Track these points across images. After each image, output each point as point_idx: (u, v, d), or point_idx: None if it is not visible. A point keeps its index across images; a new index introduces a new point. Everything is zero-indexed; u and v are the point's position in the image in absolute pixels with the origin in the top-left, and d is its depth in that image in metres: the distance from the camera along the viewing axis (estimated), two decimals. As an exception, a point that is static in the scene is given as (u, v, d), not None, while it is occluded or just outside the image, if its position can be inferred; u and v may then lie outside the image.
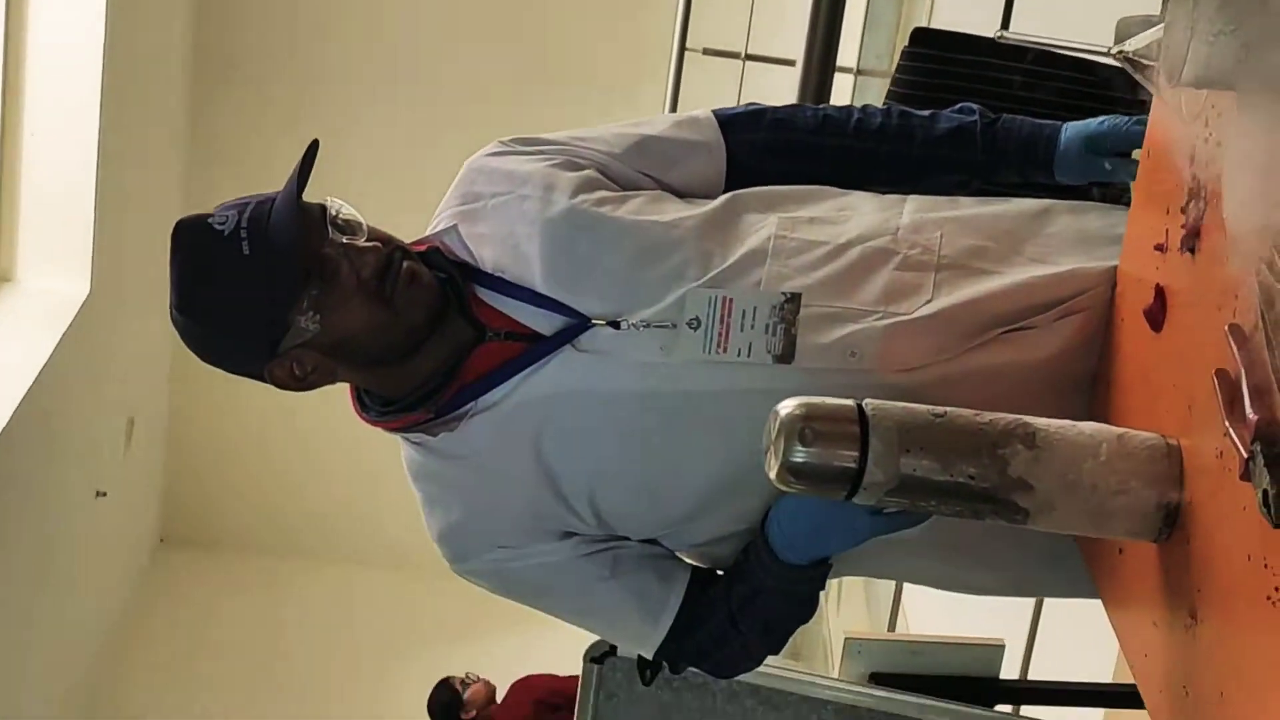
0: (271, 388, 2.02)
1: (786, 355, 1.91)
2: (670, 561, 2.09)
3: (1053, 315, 1.95)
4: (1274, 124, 1.43)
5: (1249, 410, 1.41)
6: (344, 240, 1.94)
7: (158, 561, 9.11)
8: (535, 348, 1.98)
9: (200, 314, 1.98)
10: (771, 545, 1.94)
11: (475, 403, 1.99)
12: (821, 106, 2.25)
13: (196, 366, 2.04)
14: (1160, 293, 1.72)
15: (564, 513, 2.01)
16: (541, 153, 2.10)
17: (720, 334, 1.92)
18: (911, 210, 2.08)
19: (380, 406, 2.06)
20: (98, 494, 7.40)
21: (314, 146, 1.97)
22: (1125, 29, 2.55)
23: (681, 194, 2.11)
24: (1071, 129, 2.08)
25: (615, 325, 1.96)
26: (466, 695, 6.94)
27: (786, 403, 1.62)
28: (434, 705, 6.99)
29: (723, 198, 2.07)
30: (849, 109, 2.18)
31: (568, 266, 1.99)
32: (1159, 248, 1.73)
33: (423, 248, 2.04)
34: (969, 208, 2.11)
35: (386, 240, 1.98)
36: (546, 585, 2.08)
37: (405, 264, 1.95)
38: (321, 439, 7.97)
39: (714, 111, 2.18)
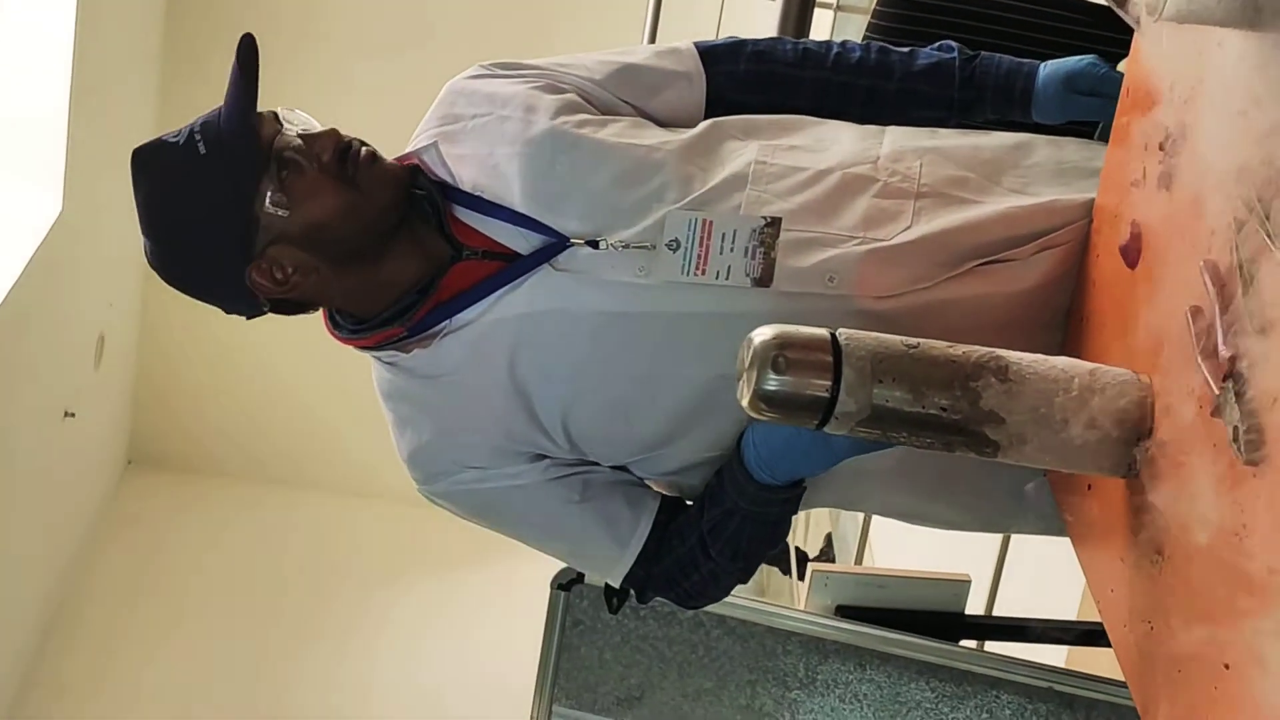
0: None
1: (765, 278, 1.92)
2: (640, 489, 2.09)
3: (1031, 249, 1.95)
4: (1254, 62, 1.43)
5: (1221, 347, 1.42)
6: (298, 132, 1.96)
7: (125, 484, 9.08)
8: (512, 266, 1.98)
9: (169, 229, 1.98)
10: (746, 465, 1.94)
11: (450, 320, 1.99)
12: (801, 40, 2.25)
13: (169, 288, 2.03)
14: (1136, 229, 1.72)
15: (536, 434, 2.01)
16: (523, 76, 2.10)
17: (699, 256, 1.92)
18: (891, 140, 2.08)
19: (353, 324, 2.06)
20: (66, 414, 7.38)
21: (249, 42, 1.97)
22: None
23: (662, 123, 2.11)
24: (1050, 67, 2.08)
25: (594, 245, 1.96)
26: None
27: (760, 330, 1.62)
28: None
29: (704, 124, 2.07)
30: (829, 43, 2.18)
31: (547, 186, 1.98)
32: (1135, 184, 1.73)
33: (401, 165, 2.03)
34: (948, 138, 2.11)
35: (341, 132, 1.99)
36: (515, 508, 2.08)
37: (363, 148, 1.96)
38: (292, 364, 7.95)
39: (695, 43, 2.18)
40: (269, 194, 1.93)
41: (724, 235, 1.93)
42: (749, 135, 2.06)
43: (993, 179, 2.04)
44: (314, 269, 1.98)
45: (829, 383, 1.59)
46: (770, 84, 2.16)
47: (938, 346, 1.62)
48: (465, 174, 2.03)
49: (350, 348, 2.09)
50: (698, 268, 1.93)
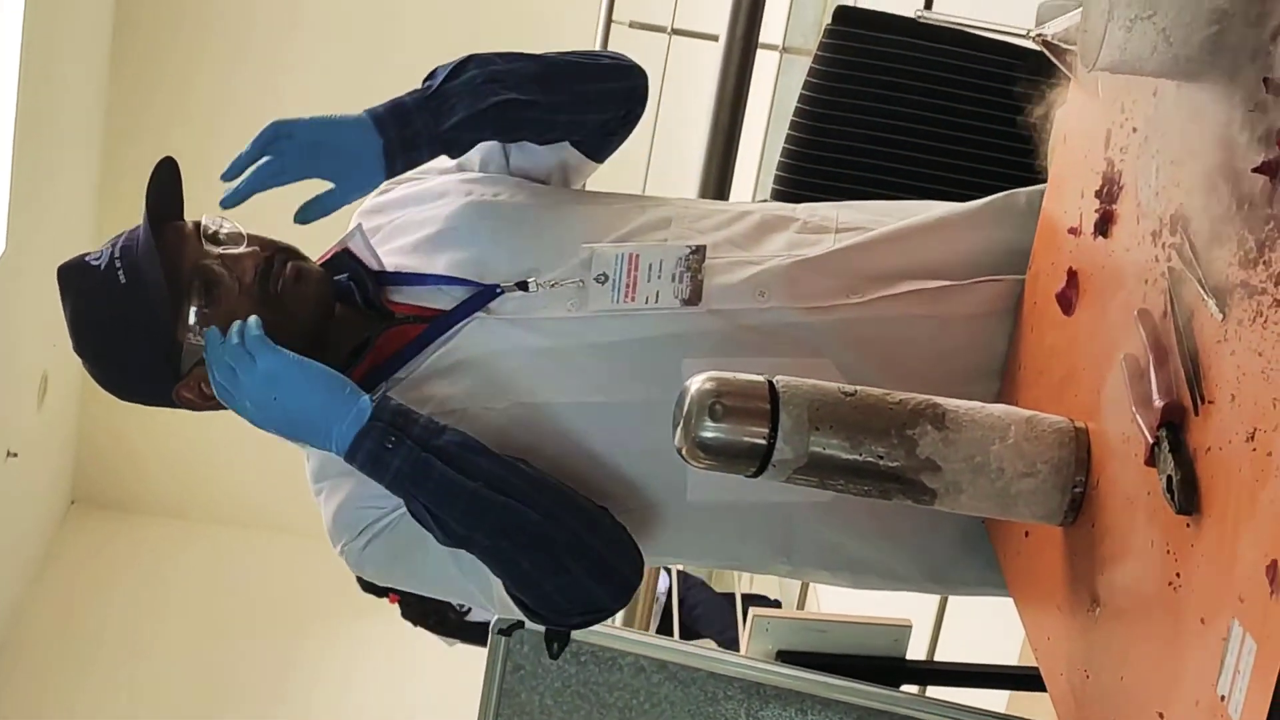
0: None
1: (694, 298, 1.94)
2: None
3: (968, 278, 1.98)
4: (1188, 112, 1.44)
5: (1155, 396, 1.42)
6: (219, 251, 1.94)
7: (68, 523, 9.02)
8: (440, 320, 1.98)
9: (95, 353, 1.99)
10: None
11: (385, 382, 1.98)
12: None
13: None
14: (1073, 276, 1.72)
15: None
16: (426, 177, 2.14)
17: (628, 285, 1.95)
18: (806, 204, 2.12)
19: None
20: (8, 454, 7.32)
21: (166, 163, 1.96)
22: (1047, 12, 2.56)
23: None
24: None
25: (524, 288, 1.97)
26: None
27: (696, 377, 1.61)
28: None
29: (623, 192, 2.12)
30: None
31: (471, 250, 2.01)
32: (1072, 231, 1.73)
33: (328, 255, 2.04)
34: (858, 203, 2.16)
35: (266, 244, 1.98)
36: (424, 538, 1.97)
37: (289, 264, 1.95)
38: (227, 429, 7.92)
39: None
40: (190, 321, 1.92)
41: (650, 265, 1.95)
42: (670, 200, 2.12)
43: (915, 212, 2.08)
44: None
45: (766, 430, 1.58)
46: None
47: (875, 394, 1.62)
48: (390, 262, 2.05)
49: None
50: (627, 295, 1.94)
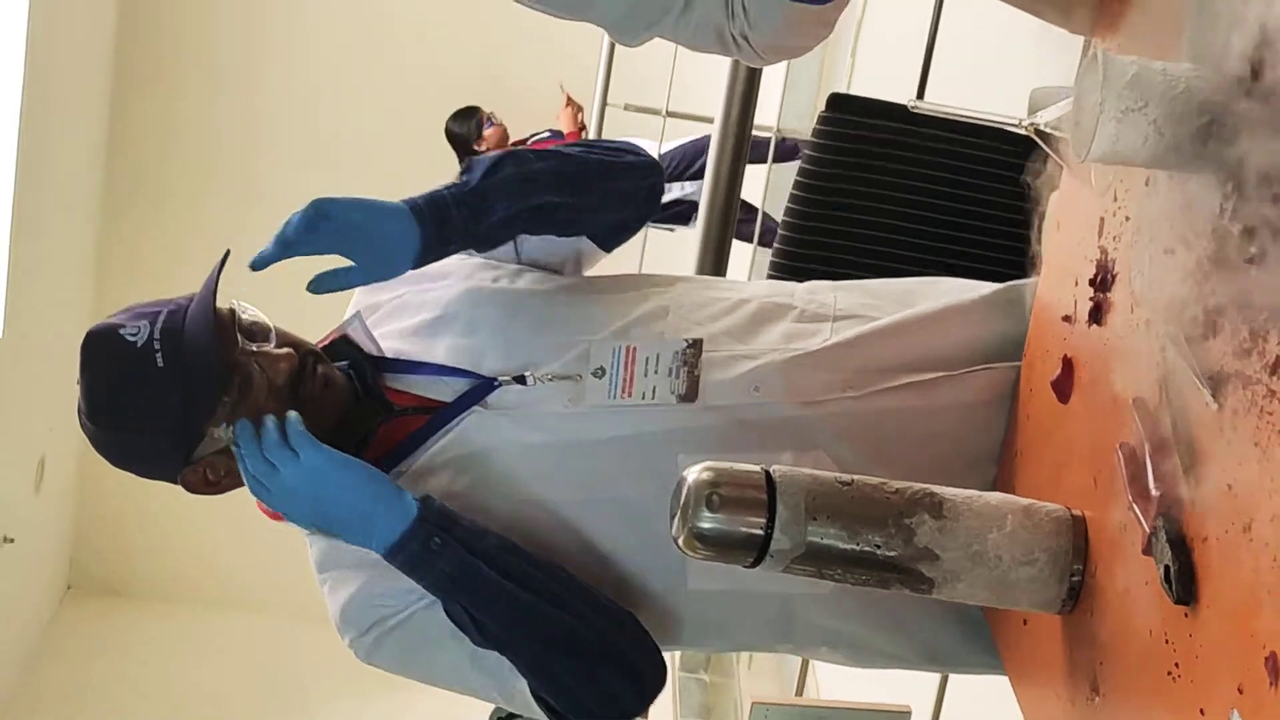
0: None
1: (690, 394, 1.94)
2: None
3: (964, 368, 1.98)
4: (1181, 201, 1.44)
5: (1152, 486, 1.42)
6: (254, 348, 1.94)
7: (65, 609, 8.99)
8: (441, 412, 1.99)
9: (114, 426, 1.96)
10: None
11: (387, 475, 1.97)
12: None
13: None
14: (1068, 364, 1.73)
15: None
16: None
17: (625, 380, 1.95)
18: (804, 285, 2.13)
19: None
20: (4, 539, 7.30)
21: (225, 256, 1.95)
22: (1039, 100, 2.57)
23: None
24: None
25: (521, 381, 1.97)
26: (485, 133, 6.89)
27: (694, 468, 1.61)
28: (452, 134, 6.88)
29: (623, 274, 2.13)
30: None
31: (470, 339, 2.02)
32: (1067, 319, 1.73)
33: (328, 340, 2.05)
34: (857, 283, 2.17)
35: (297, 344, 1.98)
36: (437, 632, 1.99)
37: (319, 369, 1.96)
38: (224, 514, 7.89)
39: None
40: (219, 415, 1.91)
41: (648, 359, 1.95)
42: (669, 283, 2.12)
43: (906, 303, 2.08)
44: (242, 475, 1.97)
45: (764, 520, 1.58)
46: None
47: (871, 483, 1.62)
48: (389, 345, 2.06)
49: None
50: (624, 391, 1.95)
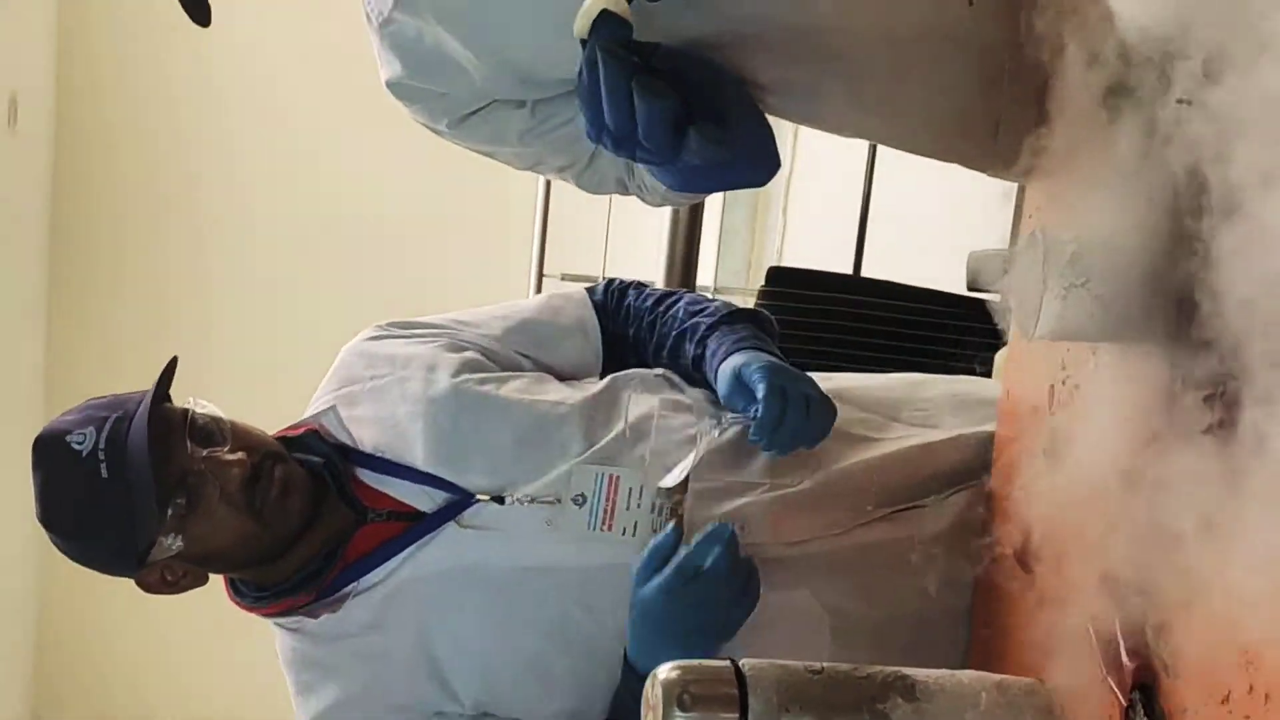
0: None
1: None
2: None
3: (943, 494, 1.97)
4: (1130, 372, 1.45)
5: (1124, 658, 1.41)
6: (204, 453, 1.91)
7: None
8: (417, 526, 1.96)
9: (63, 531, 1.94)
10: (634, 665, 1.88)
11: (357, 583, 1.97)
12: (661, 298, 2.23)
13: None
14: (1028, 535, 1.72)
15: (443, 700, 1.97)
16: (421, 336, 2.10)
17: (605, 511, 1.93)
18: None
19: (256, 592, 2.02)
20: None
21: (173, 363, 1.95)
22: (977, 263, 2.60)
23: (561, 375, 2.12)
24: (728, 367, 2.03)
25: (499, 500, 1.94)
26: None
27: (663, 668, 1.59)
28: None
29: (603, 382, 2.08)
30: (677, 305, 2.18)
31: (450, 444, 1.98)
32: (1023, 489, 1.72)
33: (299, 431, 2.02)
34: (843, 381, 2.14)
35: (254, 445, 1.95)
36: None
37: (276, 472, 1.93)
38: (199, 614, 7.77)
39: (587, 290, 2.20)
40: (167, 524, 1.89)
41: (630, 490, 1.93)
42: (647, 389, 2.07)
43: (892, 415, 2.08)
44: (204, 576, 1.98)
45: (736, 716, 1.55)
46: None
47: (842, 670, 1.60)
48: (365, 435, 2.02)
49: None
50: (604, 523, 1.93)
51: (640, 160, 1.72)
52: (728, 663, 1.59)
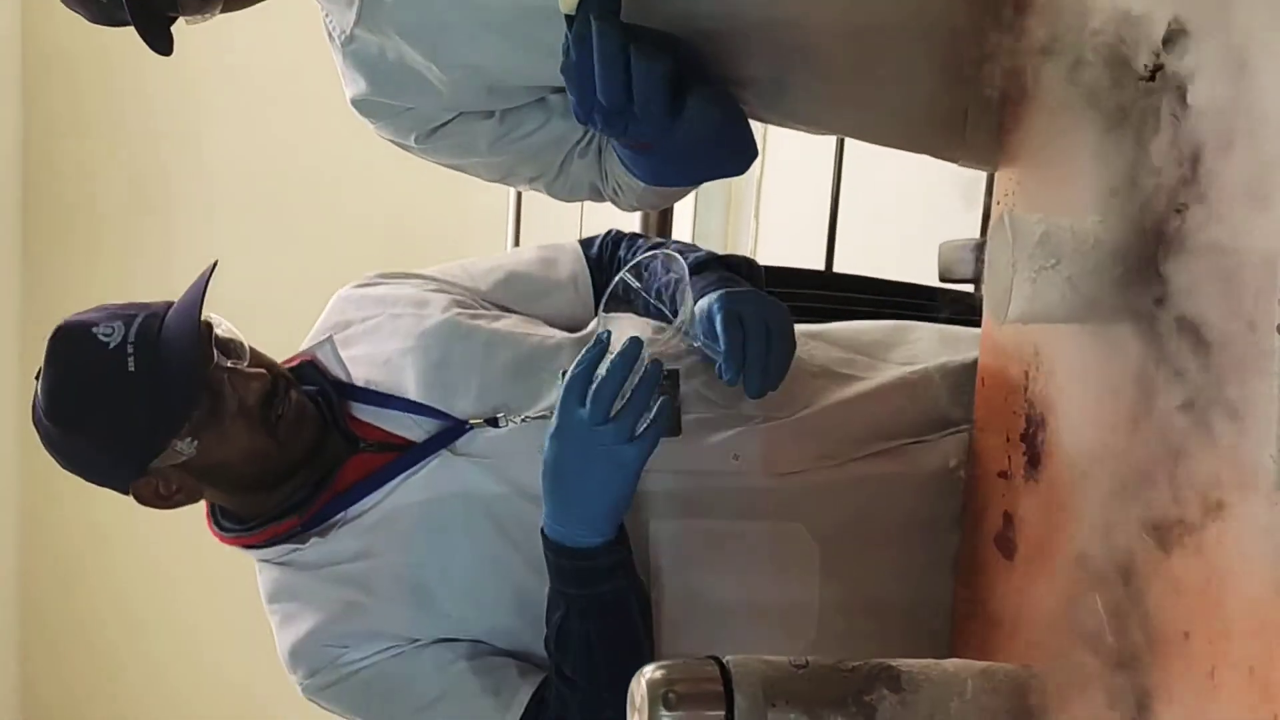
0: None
1: (674, 427, 1.84)
2: (526, 663, 1.99)
3: (936, 434, 1.97)
4: (1103, 352, 1.44)
5: (1109, 638, 1.40)
6: (229, 364, 1.89)
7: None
8: (409, 453, 1.95)
9: (72, 425, 1.89)
10: (548, 535, 1.84)
11: (345, 512, 1.95)
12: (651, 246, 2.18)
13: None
14: (1009, 519, 1.72)
15: (422, 623, 1.95)
16: (411, 280, 2.10)
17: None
18: None
19: (238, 524, 2.00)
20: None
21: (212, 268, 1.93)
22: (948, 254, 2.59)
23: (553, 325, 2.10)
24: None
25: (494, 423, 1.92)
26: None
27: (647, 668, 1.58)
28: None
29: (593, 324, 2.04)
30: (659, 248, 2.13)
31: (442, 374, 1.97)
32: (1002, 474, 1.73)
33: (295, 361, 2.01)
34: (830, 329, 2.15)
35: (270, 366, 1.94)
36: (399, 678, 1.96)
37: (292, 395, 1.92)
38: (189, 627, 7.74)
39: (582, 244, 2.17)
40: (185, 429, 1.86)
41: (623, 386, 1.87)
42: (641, 328, 2.02)
43: (879, 356, 2.08)
44: (198, 492, 1.95)
45: (722, 713, 1.55)
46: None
47: (826, 664, 1.59)
48: (358, 372, 2.01)
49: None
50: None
51: (631, 136, 1.69)
52: (711, 660, 1.58)
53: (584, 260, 2.16)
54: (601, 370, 1.76)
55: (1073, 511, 1.52)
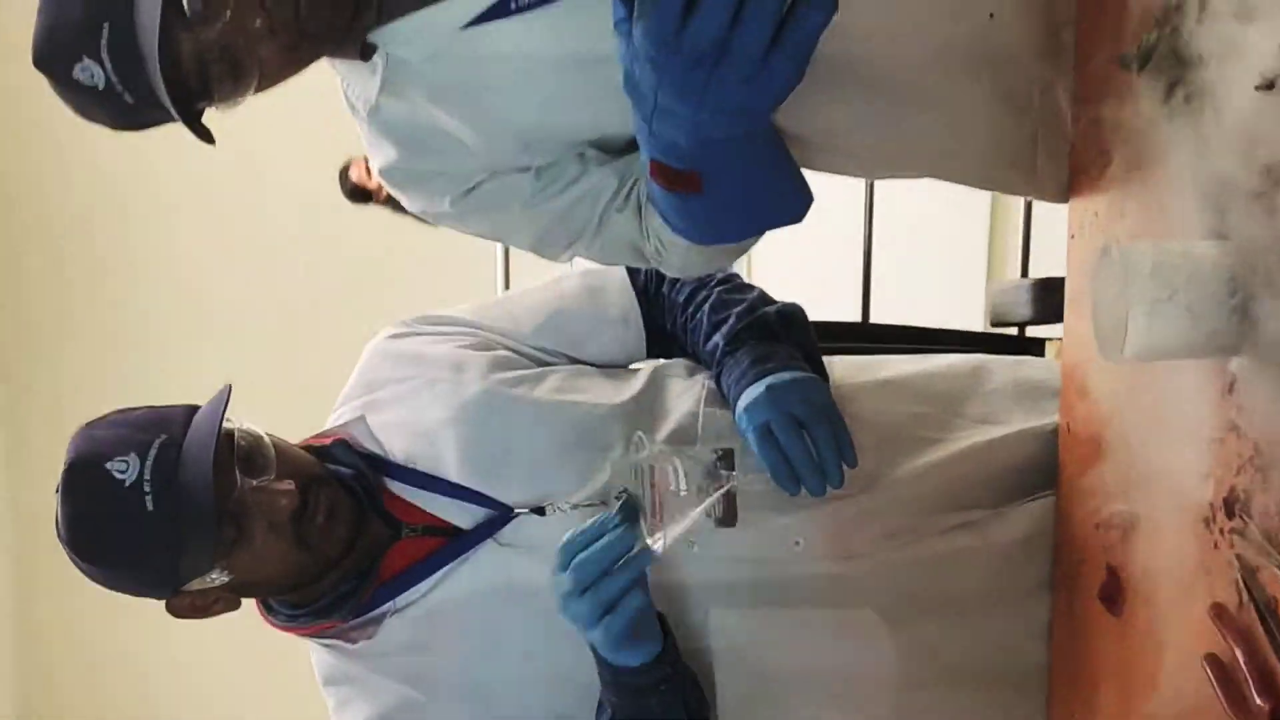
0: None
1: (729, 518, 1.71)
2: None
3: (1013, 503, 1.87)
4: (1221, 387, 1.34)
5: (1255, 698, 1.29)
6: (254, 484, 1.78)
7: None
8: (454, 543, 1.86)
9: (94, 560, 1.79)
10: (597, 650, 1.75)
11: (393, 602, 1.87)
12: (692, 294, 2.08)
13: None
14: (1113, 573, 1.60)
15: (483, 715, 1.88)
16: (446, 333, 2.00)
17: (654, 503, 1.70)
18: (840, 374, 1.98)
19: (290, 610, 1.92)
20: None
21: (228, 392, 1.82)
22: (999, 297, 2.50)
23: (599, 364, 2.02)
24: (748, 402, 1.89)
25: (540, 512, 1.82)
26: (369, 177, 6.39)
27: None
28: (355, 194, 6.44)
29: (644, 375, 1.97)
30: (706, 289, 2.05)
31: (485, 454, 1.87)
32: (1100, 526, 1.62)
33: (328, 440, 1.92)
34: (900, 366, 2.03)
35: (298, 470, 1.83)
36: None
37: (322, 499, 1.81)
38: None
39: (629, 275, 2.07)
40: (213, 559, 1.77)
41: (673, 472, 1.75)
42: (694, 373, 1.97)
43: (953, 410, 1.97)
44: (236, 602, 1.88)
45: None
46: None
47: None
48: (396, 444, 1.91)
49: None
50: (653, 515, 1.70)
51: (707, 104, 1.40)
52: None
53: (632, 293, 2.06)
54: (593, 546, 1.69)
55: (1191, 562, 1.41)
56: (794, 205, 1.64)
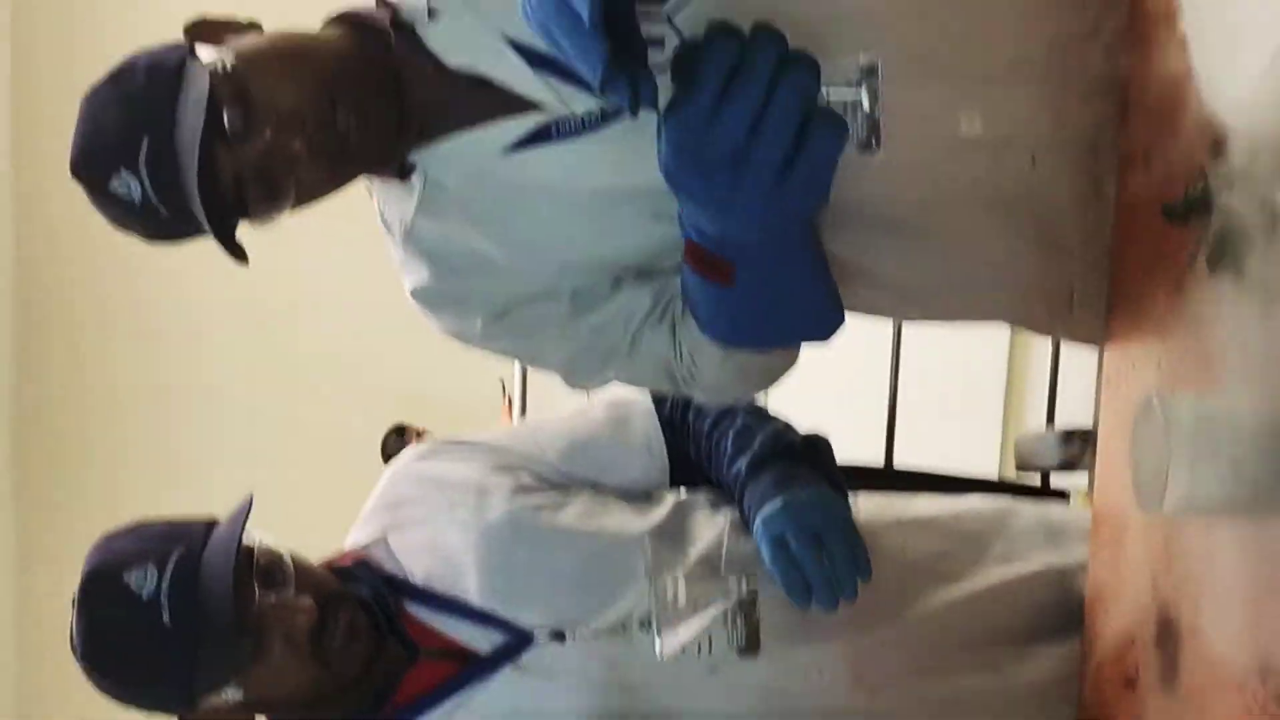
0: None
1: (752, 647, 1.66)
2: None
3: (1038, 643, 1.86)
4: (1261, 544, 1.31)
5: None
6: (272, 599, 1.77)
7: None
8: (471, 669, 1.84)
9: (108, 674, 1.78)
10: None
11: None
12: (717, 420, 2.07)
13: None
14: (1140, 731, 1.56)
15: None
16: (470, 457, 2.00)
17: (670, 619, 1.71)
18: (866, 512, 1.97)
19: None
20: None
21: (249, 503, 1.81)
22: (1026, 447, 2.48)
23: (622, 493, 2.02)
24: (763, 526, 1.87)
25: (560, 637, 1.77)
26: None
27: None
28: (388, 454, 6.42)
29: (669, 503, 1.97)
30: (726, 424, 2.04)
31: (506, 579, 1.87)
32: (1130, 684, 1.57)
33: (348, 561, 1.91)
34: (926, 506, 2.03)
35: (318, 587, 1.82)
36: None
37: (341, 618, 1.80)
38: None
39: (654, 405, 2.07)
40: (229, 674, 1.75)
41: (697, 601, 1.74)
42: (718, 506, 1.96)
43: (979, 549, 1.96)
44: (253, 719, 1.86)
45: None
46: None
47: None
48: (416, 566, 1.90)
49: None
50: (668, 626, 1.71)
51: (748, 186, 1.32)
52: None
53: (656, 421, 2.06)
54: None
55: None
56: (824, 318, 1.64)
